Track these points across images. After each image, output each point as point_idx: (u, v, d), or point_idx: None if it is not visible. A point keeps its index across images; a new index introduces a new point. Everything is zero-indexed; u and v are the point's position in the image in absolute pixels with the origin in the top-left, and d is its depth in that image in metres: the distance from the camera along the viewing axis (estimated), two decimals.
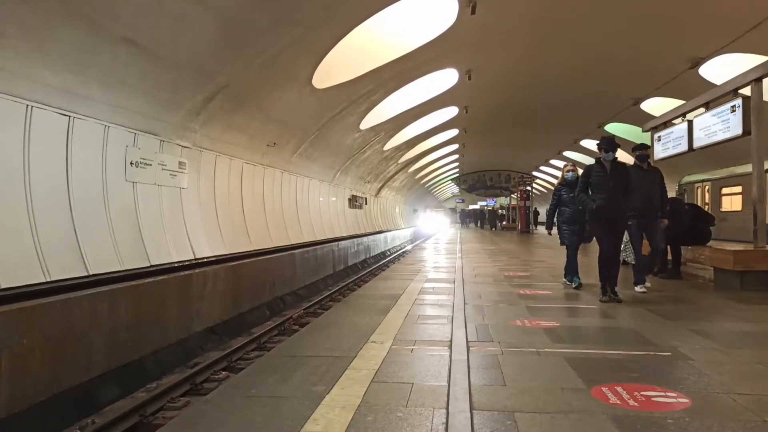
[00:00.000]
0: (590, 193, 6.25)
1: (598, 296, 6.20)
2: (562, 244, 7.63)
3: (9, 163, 6.90)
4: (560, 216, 7.50)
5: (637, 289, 6.73)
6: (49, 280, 7.04)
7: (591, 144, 28.27)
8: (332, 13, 9.70)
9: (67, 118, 7.74)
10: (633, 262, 6.95)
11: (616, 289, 6.13)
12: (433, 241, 23.98)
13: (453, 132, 26.44)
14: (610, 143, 6.18)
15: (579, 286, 7.15)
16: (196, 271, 9.54)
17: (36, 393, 5.76)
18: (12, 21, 6.13)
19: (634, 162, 7.21)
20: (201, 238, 11.28)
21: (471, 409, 2.70)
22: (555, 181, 49.87)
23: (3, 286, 6.33)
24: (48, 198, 7.41)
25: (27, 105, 7.03)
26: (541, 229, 35.61)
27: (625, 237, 6.73)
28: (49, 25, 6.50)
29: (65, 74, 7.26)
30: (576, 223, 7.18)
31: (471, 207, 54.82)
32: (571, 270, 7.38)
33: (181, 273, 9.17)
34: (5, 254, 6.56)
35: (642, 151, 7.24)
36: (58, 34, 6.70)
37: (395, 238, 34.79)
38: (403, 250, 32.12)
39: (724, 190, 18.50)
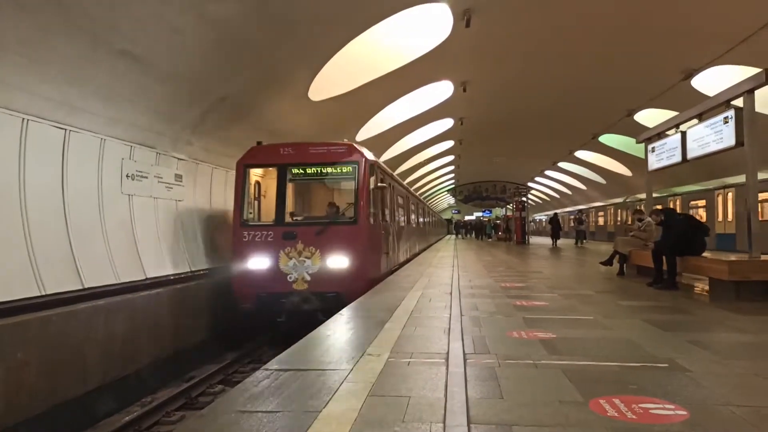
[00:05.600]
0: None
1: (593, 306, 6.15)
2: None
3: (4, 176, 6.87)
4: None
5: None
6: (44, 293, 6.99)
7: (586, 155, 28.35)
8: (328, 26, 9.78)
9: (63, 131, 7.72)
10: None
11: None
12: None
13: (448, 143, 26.56)
14: None
15: None
16: (192, 283, 9.51)
17: (31, 406, 5.71)
18: (10, 33, 6.11)
19: None
20: (197, 251, 11.22)
21: (468, 423, 2.68)
22: (550, 192, 48.27)
23: None
24: (43, 211, 7.37)
25: (23, 118, 7.01)
26: (535, 240, 35.49)
27: None
28: (48, 37, 6.49)
29: (63, 87, 7.26)
30: None
31: (467, 218, 54.77)
32: None
33: (178, 285, 9.13)
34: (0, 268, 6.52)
35: None
36: (57, 47, 6.70)
37: None
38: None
39: None
